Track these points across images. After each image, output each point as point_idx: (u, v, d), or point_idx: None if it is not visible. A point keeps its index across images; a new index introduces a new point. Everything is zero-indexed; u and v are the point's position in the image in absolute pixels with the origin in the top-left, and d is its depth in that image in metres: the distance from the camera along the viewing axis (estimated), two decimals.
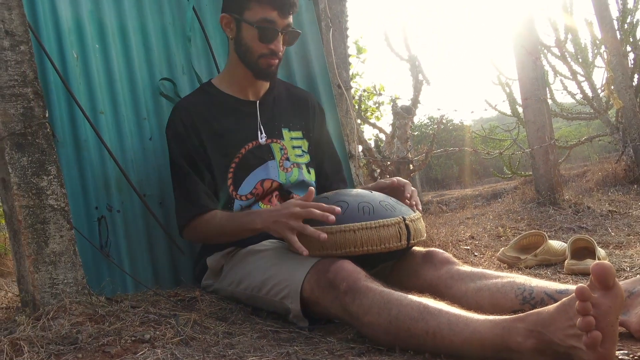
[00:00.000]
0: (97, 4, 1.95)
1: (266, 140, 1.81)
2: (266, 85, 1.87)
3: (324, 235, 1.40)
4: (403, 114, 3.80)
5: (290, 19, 1.74)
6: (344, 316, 1.33)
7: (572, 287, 1.29)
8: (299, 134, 1.90)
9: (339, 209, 1.45)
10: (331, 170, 1.98)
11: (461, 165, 11.87)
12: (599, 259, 2.11)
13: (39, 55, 1.74)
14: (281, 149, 1.83)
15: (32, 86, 1.45)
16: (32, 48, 1.48)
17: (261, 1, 1.68)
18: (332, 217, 1.41)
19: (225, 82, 1.85)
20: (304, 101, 1.96)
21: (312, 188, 1.55)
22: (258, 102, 1.84)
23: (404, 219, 1.47)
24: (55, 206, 1.44)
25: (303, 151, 1.89)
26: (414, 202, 1.64)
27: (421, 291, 1.32)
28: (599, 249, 2.19)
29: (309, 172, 1.88)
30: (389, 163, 3.92)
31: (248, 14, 1.71)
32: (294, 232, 1.45)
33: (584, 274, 2.04)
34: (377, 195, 1.55)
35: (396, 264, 1.60)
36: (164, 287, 1.84)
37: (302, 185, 1.84)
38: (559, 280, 2.00)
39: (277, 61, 1.75)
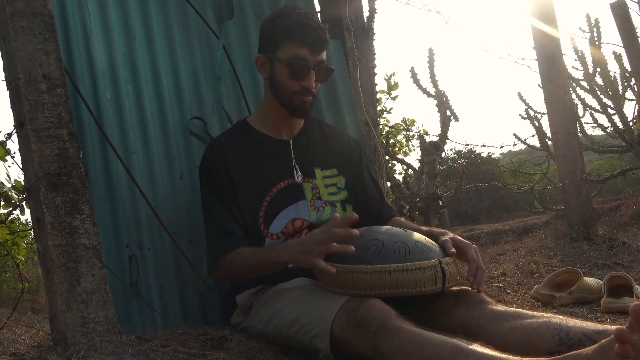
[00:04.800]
0: (130, 47, 2.01)
1: (302, 179, 1.82)
2: (300, 124, 1.89)
3: (352, 248, 1.43)
4: (431, 150, 3.79)
5: (323, 55, 1.76)
6: (374, 356, 1.31)
7: (611, 327, 1.25)
8: (333, 171, 1.90)
9: (356, 231, 1.46)
10: (378, 196, 1.99)
11: (491, 199, 11.73)
12: (637, 297, 2.05)
13: (74, 97, 1.79)
14: (313, 189, 1.83)
15: (67, 127, 1.49)
16: (68, 90, 1.52)
17: (292, 39, 1.72)
18: (355, 232, 1.44)
19: (260, 121, 1.87)
20: (338, 138, 1.97)
21: (337, 215, 1.56)
22: (291, 141, 1.86)
23: (440, 262, 1.44)
24: (88, 245, 1.46)
25: (339, 188, 1.89)
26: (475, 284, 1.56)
27: (454, 331, 1.30)
28: (637, 286, 2.13)
29: (344, 209, 1.87)
30: (417, 199, 3.89)
31: (280, 53, 1.74)
32: (320, 257, 1.46)
33: (622, 312, 1.98)
34: (411, 235, 1.53)
35: (428, 303, 1.57)
36: (193, 325, 1.83)
37: None
38: (595, 319, 1.95)
39: (310, 98, 1.77)
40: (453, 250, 1.53)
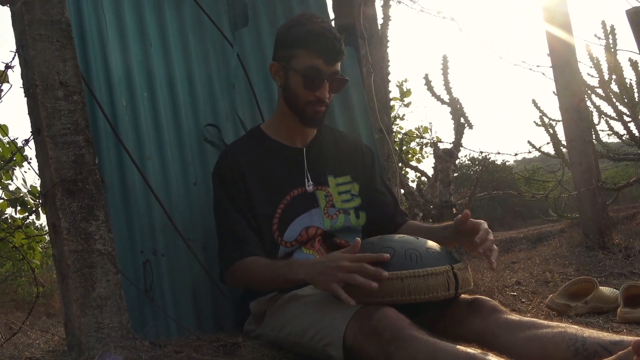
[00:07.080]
0: (146, 55, 2.02)
1: (313, 187, 1.82)
2: (313, 132, 1.89)
3: (375, 284, 1.35)
4: (445, 157, 3.78)
5: (337, 66, 1.76)
6: None
7: (628, 338, 1.24)
8: (346, 178, 1.89)
9: (386, 273, 1.38)
10: (391, 202, 1.97)
11: (505, 207, 11.63)
12: None
13: (91, 103, 1.80)
14: (326, 196, 1.83)
15: (84, 134, 1.50)
16: (84, 97, 1.54)
17: (307, 49, 1.71)
18: (385, 273, 1.36)
19: (273, 128, 1.88)
20: (352, 146, 1.97)
21: (359, 239, 1.48)
22: (305, 149, 1.86)
23: (452, 268, 1.44)
24: (103, 251, 1.47)
25: (352, 195, 1.88)
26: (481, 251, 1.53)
27: (467, 341, 1.29)
28: None
29: (357, 216, 1.87)
30: (431, 207, 3.88)
31: (295, 62, 1.74)
32: (340, 283, 1.40)
33: (639, 322, 1.96)
34: (423, 242, 1.53)
35: (441, 312, 1.56)
36: (206, 331, 1.84)
37: (348, 230, 1.84)
38: (611, 329, 1.93)
39: (323, 108, 1.77)
40: (467, 211, 1.53)
